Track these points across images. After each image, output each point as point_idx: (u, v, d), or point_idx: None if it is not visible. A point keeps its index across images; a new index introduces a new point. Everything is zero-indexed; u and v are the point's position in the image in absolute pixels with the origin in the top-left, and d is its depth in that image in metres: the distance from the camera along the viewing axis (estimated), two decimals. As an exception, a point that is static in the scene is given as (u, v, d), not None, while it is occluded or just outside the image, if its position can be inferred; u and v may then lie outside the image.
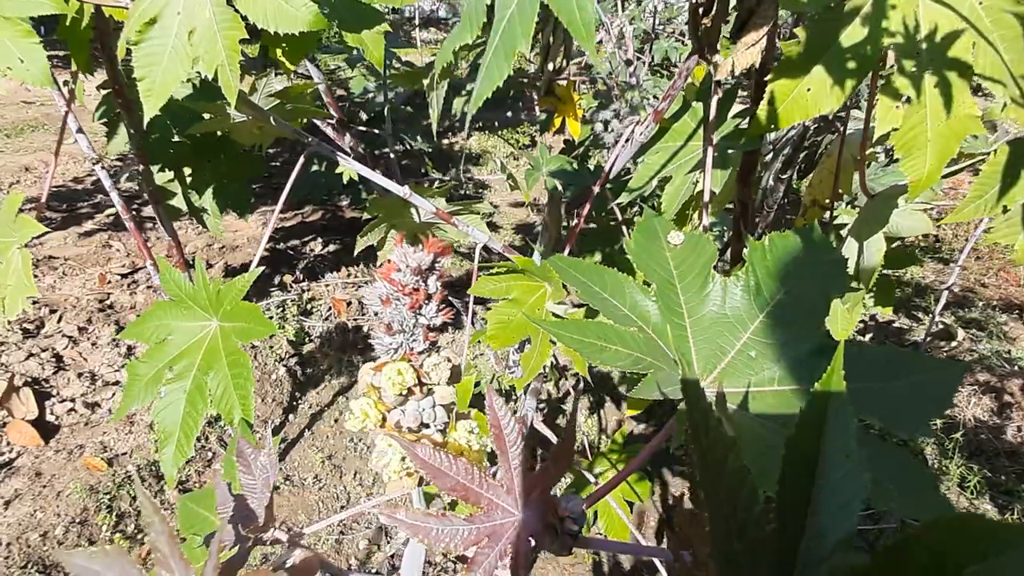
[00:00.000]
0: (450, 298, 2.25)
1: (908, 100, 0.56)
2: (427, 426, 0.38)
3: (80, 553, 0.39)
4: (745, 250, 0.51)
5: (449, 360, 0.36)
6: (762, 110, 0.61)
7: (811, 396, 0.22)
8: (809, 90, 0.59)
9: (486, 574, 0.25)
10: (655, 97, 3.09)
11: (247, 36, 0.84)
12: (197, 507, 0.79)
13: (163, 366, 0.96)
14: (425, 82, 0.91)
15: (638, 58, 2.56)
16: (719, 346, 0.50)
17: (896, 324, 2.80)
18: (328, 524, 0.68)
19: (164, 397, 0.94)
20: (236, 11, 0.84)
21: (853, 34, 0.57)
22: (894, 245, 0.96)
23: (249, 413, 0.89)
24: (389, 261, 0.33)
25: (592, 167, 2.07)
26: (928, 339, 2.57)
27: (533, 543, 0.27)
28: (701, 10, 0.63)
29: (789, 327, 0.49)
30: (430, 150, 4.11)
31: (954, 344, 2.59)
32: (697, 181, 0.92)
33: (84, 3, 1.05)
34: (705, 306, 0.52)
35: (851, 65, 0.57)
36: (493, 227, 3.75)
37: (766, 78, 0.68)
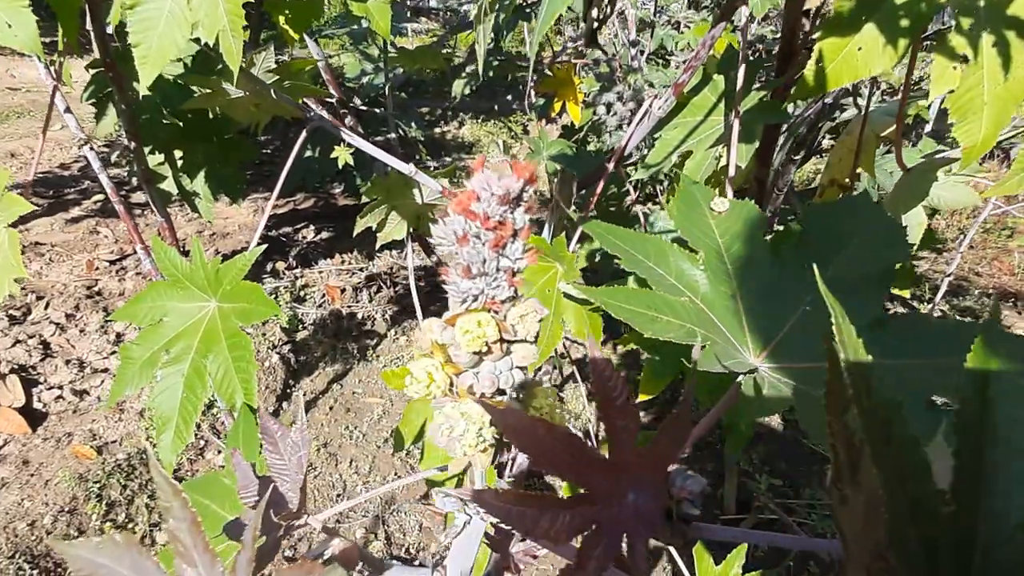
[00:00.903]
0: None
1: (965, 60, 0.53)
2: (503, 392, 0.33)
3: (84, 544, 0.35)
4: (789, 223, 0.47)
5: (536, 312, 0.31)
6: (809, 70, 0.58)
7: (968, 373, 0.19)
8: (860, 49, 0.55)
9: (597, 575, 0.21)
10: (650, 85, 3.06)
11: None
12: (199, 496, 0.75)
13: (159, 348, 0.92)
14: (472, 10, 0.85)
15: (638, 43, 2.52)
16: (772, 319, 0.47)
17: (891, 311, 2.79)
18: (360, 501, 0.64)
19: (161, 381, 0.90)
20: (238, -27, 0.80)
21: (906, -10, 0.54)
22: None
23: (252, 398, 0.85)
24: (465, 190, 0.29)
25: (593, 152, 2.04)
26: (927, 328, 2.56)
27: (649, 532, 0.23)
28: None
29: (850, 297, 0.45)
30: (423, 138, 4.05)
31: (953, 333, 2.59)
32: (720, 156, 0.89)
33: (74, -32, 1.00)
34: (756, 276, 0.48)
35: (904, 23, 0.53)
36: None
37: (794, 45, 0.65)
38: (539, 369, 1.12)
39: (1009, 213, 3.38)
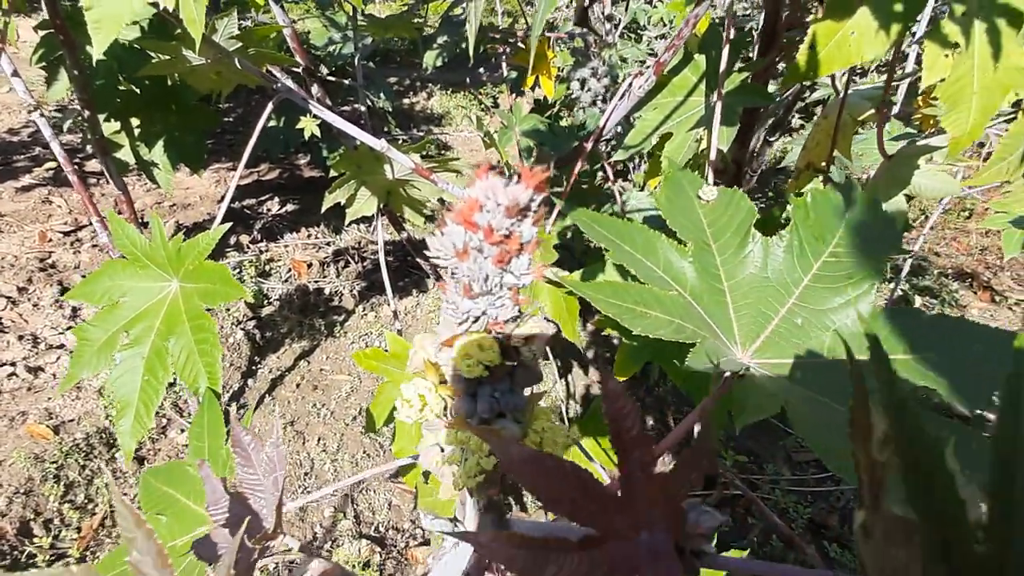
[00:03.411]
0: (418, 260, 2.18)
1: (956, 47, 0.52)
2: (503, 416, 0.31)
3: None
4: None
5: (543, 330, 0.29)
6: (802, 55, 0.56)
7: (1006, 385, 0.17)
8: (854, 34, 0.54)
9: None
10: (622, 60, 3.02)
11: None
12: (162, 485, 0.72)
13: (117, 330, 0.88)
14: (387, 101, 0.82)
15: (612, 18, 2.48)
16: (761, 312, 0.46)
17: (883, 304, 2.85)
18: (331, 492, 0.62)
19: (120, 364, 0.86)
20: (199, -68, 0.75)
21: (900, -26, 0.53)
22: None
23: (216, 382, 0.82)
24: (470, 198, 0.26)
25: (566, 128, 2.01)
26: (888, 305, 2.61)
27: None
28: None
29: (838, 292, 0.44)
30: (392, 109, 3.96)
31: (913, 312, 2.65)
32: (700, 139, 0.88)
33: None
34: (745, 268, 0.47)
35: (898, 8, 0.52)
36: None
37: (777, 27, 0.63)
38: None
39: (969, 195, 3.46)
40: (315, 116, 1.56)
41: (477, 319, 0.27)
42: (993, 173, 0.67)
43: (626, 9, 3.16)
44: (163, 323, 0.87)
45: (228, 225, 0.91)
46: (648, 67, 0.89)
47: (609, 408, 0.21)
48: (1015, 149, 0.66)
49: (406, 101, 4.92)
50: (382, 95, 3.39)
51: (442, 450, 0.29)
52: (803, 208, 0.47)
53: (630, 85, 0.91)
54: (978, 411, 0.39)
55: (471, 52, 0.82)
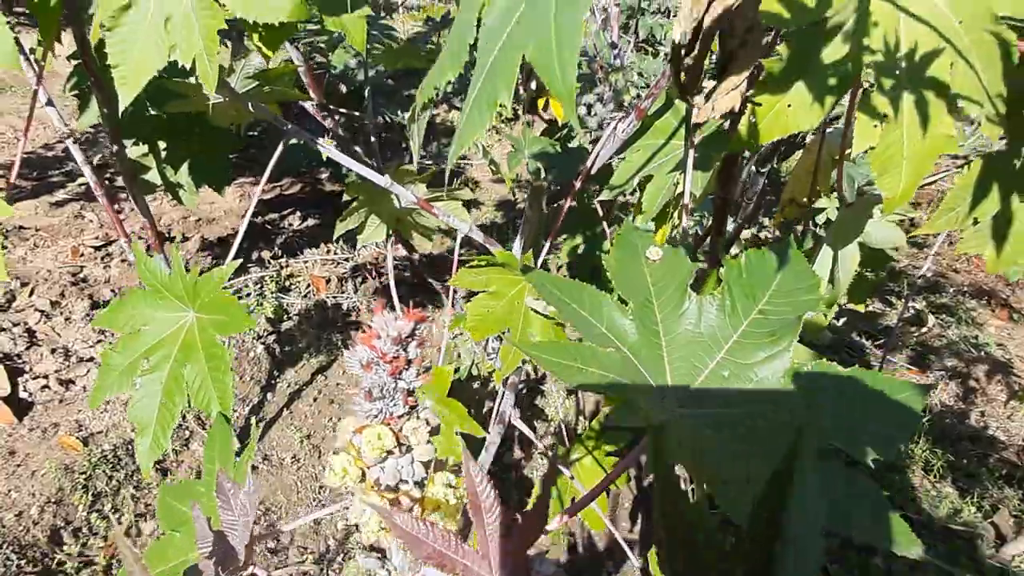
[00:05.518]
0: (430, 280, 2.25)
1: (885, 118, 0.57)
2: (405, 482, 0.38)
3: None
4: (722, 269, 0.51)
5: (428, 422, 0.36)
6: (743, 125, 0.61)
7: (777, 469, 0.23)
8: (790, 106, 0.59)
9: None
10: (640, 75, 3.07)
11: (226, 26, 0.82)
12: (177, 503, 0.79)
13: (138, 356, 0.96)
14: (407, 115, 0.88)
15: (622, 36, 2.53)
16: (693, 365, 0.51)
17: (869, 307, 2.85)
18: (303, 521, 0.68)
19: (140, 388, 0.94)
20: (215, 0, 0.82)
21: (834, 51, 0.57)
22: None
23: (227, 406, 0.89)
24: (370, 327, 0.34)
25: (576, 146, 2.06)
26: (900, 324, 2.62)
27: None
28: (683, 51, 0.62)
29: (762, 347, 0.49)
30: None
31: (924, 330, 2.65)
32: (678, 182, 0.93)
33: (53, -20, 1.02)
34: (681, 324, 0.52)
35: (832, 82, 0.57)
36: (475, 203, 3.73)
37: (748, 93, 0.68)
38: (507, 379, 1.16)
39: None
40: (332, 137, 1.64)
41: (376, 416, 0.35)
42: (943, 223, 0.71)
43: (636, 26, 3.19)
44: (180, 351, 0.94)
45: (239, 262, 0.98)
46: (631, 111, 0.95)
47: (468, 484, 0.26)
48: (963, 200, 0.70)
49: (427, 113, 5.00)
50: (399, 112, 3.47)
51: (360, 509, 0.35)
52: (737, 269, 0.52)
53: (615, 127, 0.97)
54: (884, 459, 0.44)
55: (415, 158, 0.89)
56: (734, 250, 1.58)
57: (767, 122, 0.60)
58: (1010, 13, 0.56)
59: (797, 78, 0.58)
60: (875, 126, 0.57)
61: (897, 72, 0.56)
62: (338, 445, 0.39)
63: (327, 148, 1.07)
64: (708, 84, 0.66)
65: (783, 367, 0.49)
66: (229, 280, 1.47)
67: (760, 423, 0.46)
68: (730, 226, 1.47)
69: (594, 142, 1.83)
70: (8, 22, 0.94)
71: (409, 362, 0.36)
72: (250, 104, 1.06)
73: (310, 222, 3.22)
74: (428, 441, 0.37)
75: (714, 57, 0.70)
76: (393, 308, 2.65)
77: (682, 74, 0.64)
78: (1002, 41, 0.58)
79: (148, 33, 0.84)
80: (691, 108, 0.74)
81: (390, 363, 0.36)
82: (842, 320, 2.70)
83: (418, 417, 0.37)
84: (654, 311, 0.52)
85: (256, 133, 4.08)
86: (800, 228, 1.28)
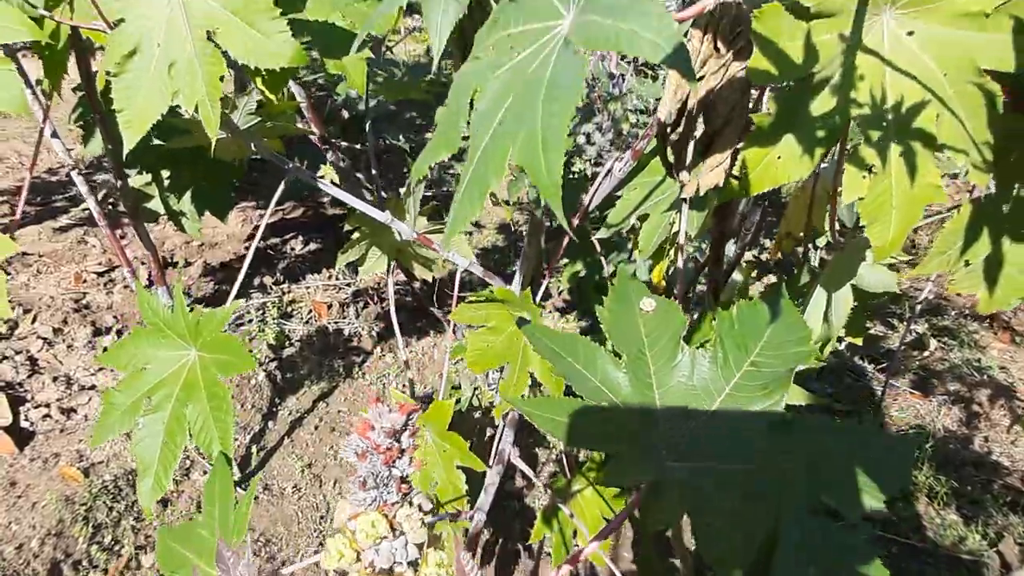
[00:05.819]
0: (432, 310, 2.25)
1: (873, 169, 0.58)
2: (399, 563, 0.39)
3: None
4: (715, 321, 0.52)
5: (421, 508, 0.37)
6: (734, 177, 0.63)
7: (763, 537, 0.23)
8: (779, 158, 0.60)
9: None
10: (639, 98, 3.10)
11: (228, 72, 0.84)
12: (178, 546, 0.79)
13: (140, 396, 0.96)
14: (402, 191, 0.91)
15: (620, 63, 2.56)
16: (685, 419, 0.51)
17: (871, 331, 2.85)
18: (304, 565, 0.69)
19: (142, 428, 0.94)
20: (217, 46, 0.84)
21: (822, 104, 0.59)
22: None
23: (228, 446, 0.89)
24: (365, 419, 0.35)
25: (575, 177, 2.08)
26: (902, 348, 2.62)
27: None
28: (669, 129, 0.64)
29: (754, 400, 0.50)
30: (411, 148, 4.09)
31: (926, 353, 2.65)
32: (673, 221, 0.94)
33: (60, 24, 1.04)
34: (674, 377, 0.53)
35: (820, 134, 0.58)
36: (477, 226, 3.75)
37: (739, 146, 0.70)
38: (507, 415, 1.17)
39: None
40: (336, 157, 1.66)
41: (370, 504, 0.36)
42: (933, 265, 0.72)
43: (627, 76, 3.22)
44: (182, 390, 0.95)
45: (240, 302, 0.99)
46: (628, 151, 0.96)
47: (457, 570, 0.27)
48: (953, 244, 0.71)
49: (428, 135, 5.05)
50: (401, 137, 3.50)
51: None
52: (728, 320, 0.53)
53: (611, 166, 0.98)
54: (873, 514, 0.44)
55: (412, 234, 0.89)
56: (736, 275, 1.59)
57: (757, 173, 0.61)
58: (994, 67, 0.58)
59: (786, 131, 0.59)
60: (863, 177, 0.58)
61: (884, 124, 0.57)
62: (336, 524, 0.40)
63: (328, 186, 1.09)
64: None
65: (776, 420, 0.49)
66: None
67: (753, 478, 0.47)
68: (731, 250, 1.48)
69: (594, 175, 1.86)
70: (15, 47, 0.96)
71: (403, 451, 0.37)
72: (253, 144, 1.07)
73: (312, 246, 3.24)
74: (422, 524, 0.38)
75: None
76: (394, 334, 2.65)
77: (669, 150, 0.65)
78: (986, 92, 0.59)
79: (152, 79, 0.86)
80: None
81: (385, 452, 0.37)
82: (843, 344, 2.70)
83: (411, 503, 0.38)
84: (648, 363, 0.53)
85: (259, 157, 4.12)
86: (801, 251, 1.29)
